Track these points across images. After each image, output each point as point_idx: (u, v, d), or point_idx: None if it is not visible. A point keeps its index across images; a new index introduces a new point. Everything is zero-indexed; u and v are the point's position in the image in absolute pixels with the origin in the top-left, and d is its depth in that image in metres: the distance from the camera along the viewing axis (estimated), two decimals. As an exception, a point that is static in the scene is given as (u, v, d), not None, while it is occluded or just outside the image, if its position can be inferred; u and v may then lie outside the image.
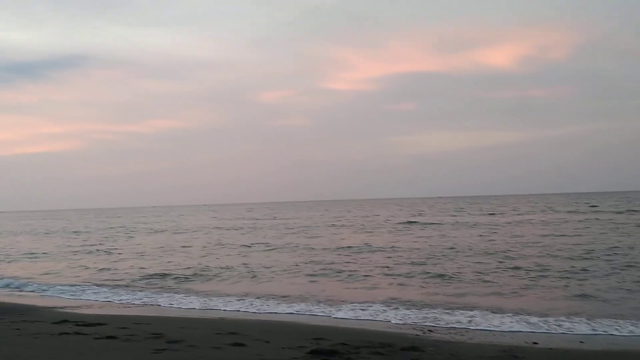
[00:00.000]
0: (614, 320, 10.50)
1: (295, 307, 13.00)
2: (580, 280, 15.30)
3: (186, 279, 18.67)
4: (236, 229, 47.73)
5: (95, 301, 15.10)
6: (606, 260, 18.96)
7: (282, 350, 7.81)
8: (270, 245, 29.94)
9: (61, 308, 13.63)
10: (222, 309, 13.27)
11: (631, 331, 9.76)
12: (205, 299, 14.63)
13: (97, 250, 31.23)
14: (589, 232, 30.80)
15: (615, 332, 9.72)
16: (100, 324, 10.22)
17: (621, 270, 16.69)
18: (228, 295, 15.00)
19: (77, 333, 9.26)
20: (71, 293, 16.58)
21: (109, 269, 22.27)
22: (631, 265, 17.43)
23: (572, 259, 19.47)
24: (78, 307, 13.94)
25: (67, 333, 9.27)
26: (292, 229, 45.78)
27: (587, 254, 20.84)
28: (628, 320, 10.44)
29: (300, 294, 14.80)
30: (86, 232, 52.10)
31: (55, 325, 10.21)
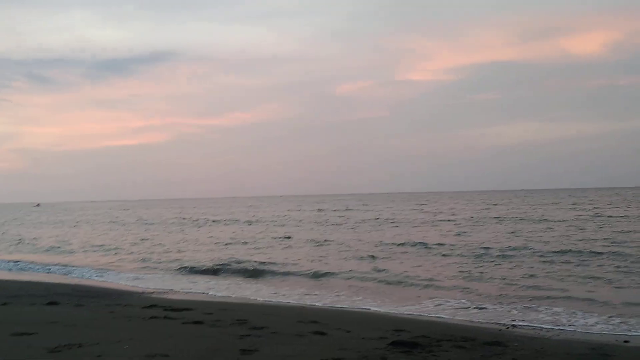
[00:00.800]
0: None
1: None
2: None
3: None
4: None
5: (187, 290, 15.73)
6: None
7: (362, 341, 7.85)
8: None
9: (150, 293, 14.30)
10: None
11: None
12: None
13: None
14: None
15: None
16: (187, 309, 10.65)
17: None
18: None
19: (165, 317, 9.69)
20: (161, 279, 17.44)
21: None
22: None
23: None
24: (165, 292, 14.58)
25: (156, 317, 9.72)
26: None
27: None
28: None
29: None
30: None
31: (145, 310, 10.73)
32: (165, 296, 13.76)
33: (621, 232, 27.64)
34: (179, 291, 14.93)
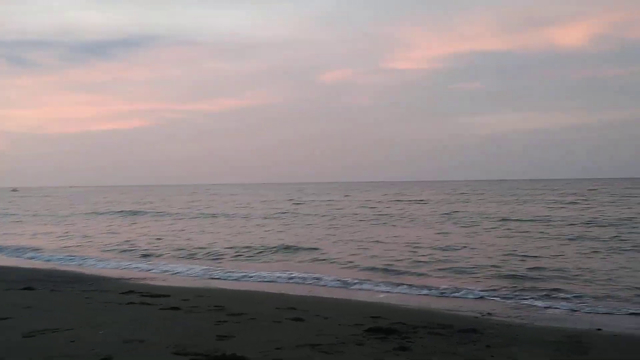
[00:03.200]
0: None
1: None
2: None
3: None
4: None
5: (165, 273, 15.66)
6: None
7: (340, 327, 7.88)
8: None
9: (127, 279, 14.21)
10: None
11: None
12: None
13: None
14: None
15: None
16: (164, 296, 10.60)
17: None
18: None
19: (142, 303, 9.64)
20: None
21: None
22: None
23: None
24: (143, 278, 14.49)
25: (133, 303, 9.66)
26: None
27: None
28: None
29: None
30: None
31: (122, 295, 10.66)
32: (143, 282, 13.68)
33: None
34: (156, 277, 14.86)
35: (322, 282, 13.62)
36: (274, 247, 20.76)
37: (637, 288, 12.11)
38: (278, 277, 14.44)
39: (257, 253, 19.62)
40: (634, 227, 25.23)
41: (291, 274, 14.73)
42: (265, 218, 38.10)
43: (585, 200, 52.39)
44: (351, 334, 7.39)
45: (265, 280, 14.21)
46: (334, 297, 11.75)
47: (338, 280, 13.76)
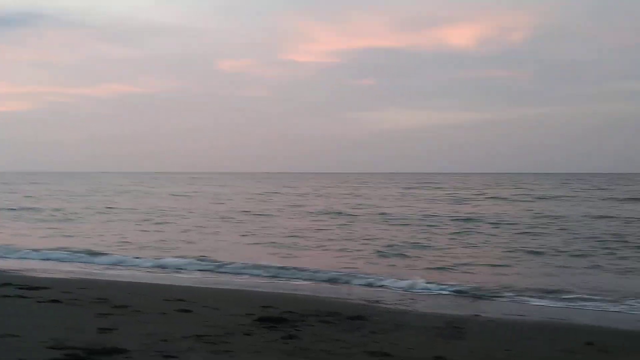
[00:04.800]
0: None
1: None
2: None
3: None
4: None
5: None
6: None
7: (229, 317, 7.83)
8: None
9: (4, 271, 13.30)
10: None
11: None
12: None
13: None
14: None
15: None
16: (44, 288, 10.01)
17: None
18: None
19: (19, 296, 9.05)
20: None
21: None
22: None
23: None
24: (21, 270, 13.63)
25: (8, 296, 9.05)
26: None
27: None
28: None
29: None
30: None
31: (-4, 288, 9.97)
32: (21, 274, 12.85)
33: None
34: (36, 269, 14.02)
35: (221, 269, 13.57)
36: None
37: (518, 274, 13.06)
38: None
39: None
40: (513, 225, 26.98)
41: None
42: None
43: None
44: (240, 324, 7.37)
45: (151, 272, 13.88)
46: (227, 287, 11.65)
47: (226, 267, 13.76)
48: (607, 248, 17.20)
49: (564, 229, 22.23)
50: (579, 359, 6.37)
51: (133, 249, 17.64)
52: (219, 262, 14.53)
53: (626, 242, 18.45)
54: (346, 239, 20.04)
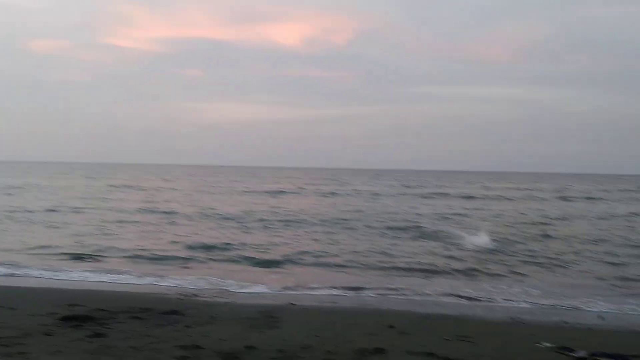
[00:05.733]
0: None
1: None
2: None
3: None
4: None
5: None
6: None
7: (29, 317, 7.24)
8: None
9: None
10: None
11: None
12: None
13: None
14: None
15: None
16: None
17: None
18: None
19: None
20: None
21: None
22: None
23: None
24: None
25: None
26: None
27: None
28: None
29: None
30: None
31: None
32: None
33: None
34: None
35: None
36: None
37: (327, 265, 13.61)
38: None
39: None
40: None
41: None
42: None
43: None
44: (40, 324, 6.86)
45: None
46: (29, 285, 10.73)
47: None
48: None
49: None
50: (380, 340, 6.81)
51: None
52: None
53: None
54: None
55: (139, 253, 14.83)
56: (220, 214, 25.97)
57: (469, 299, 10.56)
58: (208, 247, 15.97)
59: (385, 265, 13.94)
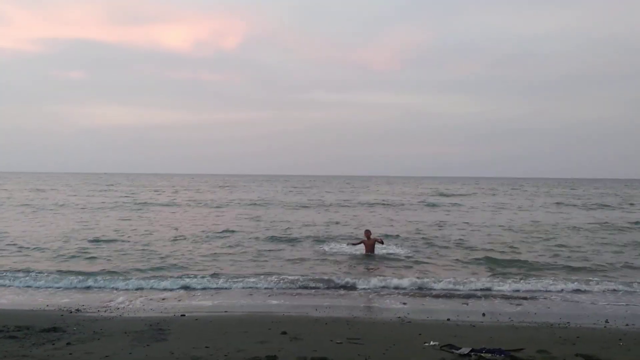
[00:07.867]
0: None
1: None
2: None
3: None
4: None
5: None
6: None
7: None
8: None
9: None
10: None
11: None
12: None
13: None
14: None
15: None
16: None
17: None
18: None
19: None
20: None
21: None
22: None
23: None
24: None
25: None
26: None
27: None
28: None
29: None
30: None
31: None
32: None
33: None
34: None
35: None
36: None
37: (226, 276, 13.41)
38: None
39: None
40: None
41: None
42: None
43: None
44: None
45: None
46: None
47: None
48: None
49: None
50: (272, 347, 6.76)
51: None
52: None
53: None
54: None
55: None
56: None
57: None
58: None
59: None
